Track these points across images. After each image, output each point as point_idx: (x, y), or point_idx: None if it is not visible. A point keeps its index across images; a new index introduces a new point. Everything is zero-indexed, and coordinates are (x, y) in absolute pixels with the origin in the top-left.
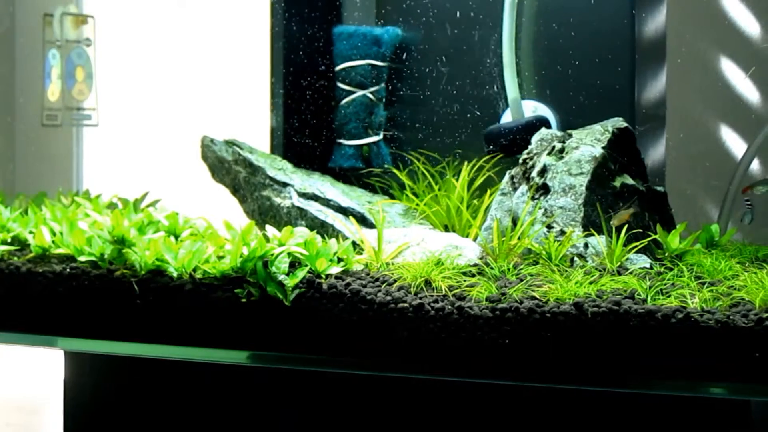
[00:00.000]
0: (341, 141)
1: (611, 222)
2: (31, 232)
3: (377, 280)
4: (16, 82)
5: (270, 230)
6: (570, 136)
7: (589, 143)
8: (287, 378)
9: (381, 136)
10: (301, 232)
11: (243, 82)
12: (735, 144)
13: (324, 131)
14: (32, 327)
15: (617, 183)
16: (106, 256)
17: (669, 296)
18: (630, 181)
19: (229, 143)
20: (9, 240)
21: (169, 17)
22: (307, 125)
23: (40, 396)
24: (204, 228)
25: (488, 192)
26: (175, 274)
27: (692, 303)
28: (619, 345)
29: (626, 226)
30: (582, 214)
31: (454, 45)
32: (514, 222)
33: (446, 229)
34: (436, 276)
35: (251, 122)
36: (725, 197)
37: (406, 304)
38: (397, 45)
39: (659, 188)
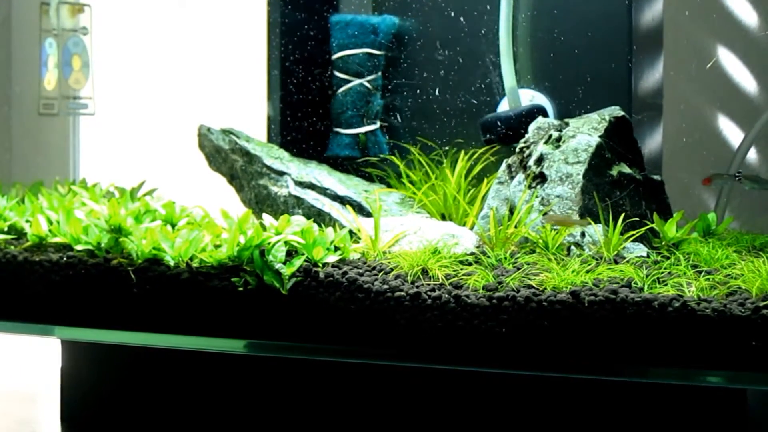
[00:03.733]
0: (338, 130)
1: (542, 218)
2: (27, 221)
3: (374, 268)
4: (12, 70)
5: (267, 219)
6: (567, 124)
7: (586, 132)
8: (284, 367)
9: (378, 125)
10: (298, 220)
11: (240, 70)
12: (732, 133)
13: (321, 120)
14: (29, 316)
15: (614, 172)
16: (102, 245)
17: (666, 285)
18: (627, 169)
19: (226, 132)
20: (6, 229)
21: (166, 6)
22: (304, 114)
23: (37, 385)
24: (201, 217)
25: (485, 181)
26: (171, 263)
27: (689, 292)
28: (615, 334)
29: (623, 215)
30: (579, 203)
31: (451, 33)
32: (511, 211)
33: (443, 217)
34: (433, 265)
35: (248, 111)
36: (722, 186)
37: (402, 293)
38: (394, 33)
39: (656, 177)
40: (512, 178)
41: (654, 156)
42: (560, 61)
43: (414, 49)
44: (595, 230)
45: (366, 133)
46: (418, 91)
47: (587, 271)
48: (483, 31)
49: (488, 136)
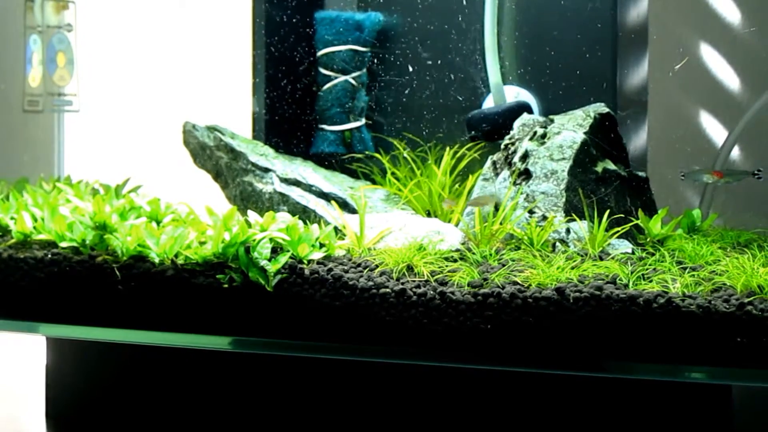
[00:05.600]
0: (323, 126)
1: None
2: (12, 218)
3: (359, 265)
4: None
5: (252, 216)
6: (552, 121)
7: (570, 128)
8: (270, 364)
9: (363, 122)
10: (283, 217)
11: (225, 67)
12: (716, 130)
13: (306, 117)
14: (14, 313)
15: (599, 168)
16: (87, 242)
17: (651, 281)
18: (612, 166)
19: (211, 129)
20: None
21: (150, 2)
22: (289, 111)
23: (22, 383)
24: (186, 213)
25: (470, 177)
26: (156, 260)
27: (674, 288)
28: (600, 330)
29: (608, 211)
30: (564, 200)
31: (436, 30)
32: (496, 207)
33: (428, 214)
34: (418, 261)
35: (233, 108)
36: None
37: (388, 290)
38: (379, 30)
39: (641, 173)
40: (497, 174)
41: (639, 152)
42: (545, 57)
43: (399, 45)
44: (580, 226)
45: (351, 129)
46: (403, 88)
47: (572, 268)
48: (468, 28)
49: (473, 132)
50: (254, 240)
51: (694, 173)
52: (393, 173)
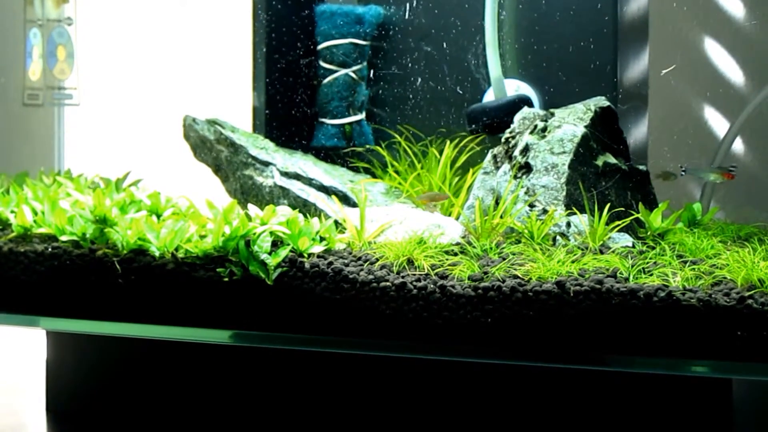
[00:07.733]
0: (323, 120)
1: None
2: (12, 212)
3: (359, 259)
4: None
5: (252, 209)
6: (552, 115)
7: (571, 122)
8: (270, 357)
9: (363, 115)
10: (284, 211)
11: (226, 60)
12: (717, 123)
13: (306, 110)
14: (14, 307)
15: (599, 162)
16: (87, 236)
17: (651, 275)
18: (612, 159)
19: (211, 122)
20: None
21: None
22: (290, 104)
23: (22, 376)
24: (186, 207)
25: (471, 171)
26: (157, 254)
27: (674, 282)
28: (601, 324)
29: (609, 205)
30: (564, 193)
31: (437, 24)
32: (497, 201)
33: None
34: (419, 255)
35: (234, 101)
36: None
37: (388, 283)
38: (380, 24)
39: (641, 167)
40: (498, 168)
41: (639, 146)
42: (546, 51)
43: (399, 39)
44: (581, 220)
45: (351, 123)
46: (403, 82)
47: (573, 261)
48: (468, 21)
49: (474, 126)
50: (254, 233)
51: (697, 170)
52: (393, 166)
